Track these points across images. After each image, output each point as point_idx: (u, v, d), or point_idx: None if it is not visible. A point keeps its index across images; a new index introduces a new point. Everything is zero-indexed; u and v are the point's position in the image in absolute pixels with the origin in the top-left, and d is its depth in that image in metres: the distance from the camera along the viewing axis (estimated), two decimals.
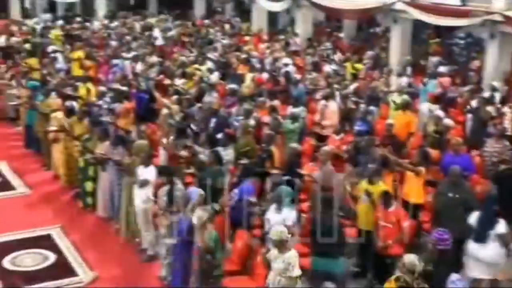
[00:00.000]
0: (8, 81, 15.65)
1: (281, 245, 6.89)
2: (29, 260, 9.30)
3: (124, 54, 18.03)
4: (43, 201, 11.44)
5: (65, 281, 8.84)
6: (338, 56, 18.89)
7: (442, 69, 16.91)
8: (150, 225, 9.24)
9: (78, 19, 25.58)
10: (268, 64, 17.25)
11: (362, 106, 12.95)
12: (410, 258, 6.49)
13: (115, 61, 17.17)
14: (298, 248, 8.30)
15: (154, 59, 17.34)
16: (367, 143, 10.35)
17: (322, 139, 11.98)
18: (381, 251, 8.08)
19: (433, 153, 10.22)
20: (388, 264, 7.92)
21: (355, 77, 15.53)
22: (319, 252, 7.78)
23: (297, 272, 6.88)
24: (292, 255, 6.88)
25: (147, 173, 9.18)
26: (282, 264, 6.87)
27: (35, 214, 10.79)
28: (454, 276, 6.68)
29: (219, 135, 10.85)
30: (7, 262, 9.22)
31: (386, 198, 8.19)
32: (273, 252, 7.01)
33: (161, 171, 9.04)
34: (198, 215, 7.56)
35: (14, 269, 9.10)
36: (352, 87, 14.53)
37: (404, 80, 15.18)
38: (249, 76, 15.58)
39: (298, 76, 15.52)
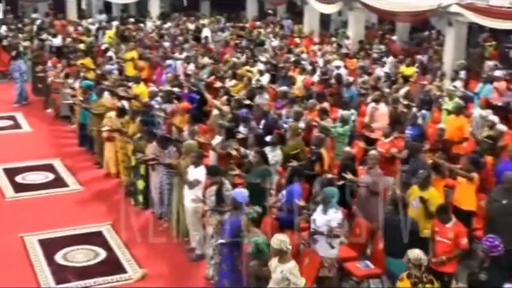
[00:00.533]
0: (62, 80, 15.99)
1: (281, 255, 6.78)
2: (80, 256, 9.49)
3: (177, 55, 18.26)
4: (95, 198, 11.65)
5: (115, 277, 8.99)
6: (390, 59, 18.68)
7: (497, 73, 16.52)
8: (199, 225, 9.30)
9: (132, 20, 25.99)
10: (319, 66, 17.18)
11: (414, 110, 12.78)
12: (415, 253, 6.64)
13: (167, 62, 17.36)
14: (344, 251, 8.30)
15: (205, 60, 17.49)
16: (415, 148, 10.21)
17: (371, 142, 11.87)
18: (433, 266, 7.68)
19: (486, 159, 10.01)
20: (442, 281, 7.44)
21: (407, 80, 15.31)
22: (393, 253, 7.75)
23: (302, 283, 6.78)
24: (291, 266, 6.75)
25: (197, 173, 9.25)
26: (280, 275, 6.71)
27: (87, 211, 11.00)
28: (507, 285, 6.53)
29: (268, 137, 10.85)
30: (59, 257, 9.43)
31: (444, 212, 7.86)
32: (274, 261, 6.87)
33: (210, 171, 9.10)
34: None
35: (66, 264, 9.30)
36: (403, 90, 14.35)
37: (458, 84, 14.91)
38: (299, 78, 15.56)
39: (350, 78, 15.40)
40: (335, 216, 7.92)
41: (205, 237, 9.10)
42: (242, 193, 8.21)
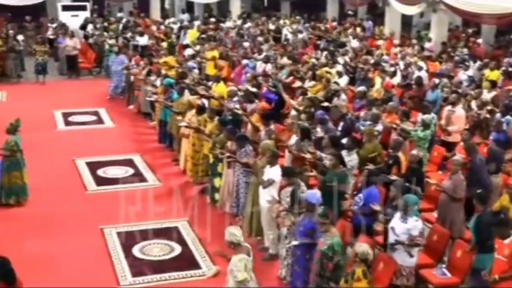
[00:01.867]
0: (144, 77, 16.38)
1: (232, 247, 7.08)
2: (157, 250, 9.69)
3: (256, 55, 18.36)
4: (172, 194, 11.81)
5: (189, 273, 9.14)
6: (477, 64, 18.11)
7: None
8: (273, 225, 9.32)
9: (213, 19, 26.32)
10: (399, 68, 16.89)
11: (498, 115, 12.36)
12: (363, 247, 6.92)
13: (246, 62, 17.50)
14: (420, 258, 8.10)
15: (284, 60, 17.51)
16: (496, 154, 9.89)
17: (449, 146, 11.56)
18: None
19: None
20: None
21: (494, 85, 14.81)
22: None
23: (240, 277, 6.97)
24: (236, 259, 7.02)
25: (273, 172, 9.28)
26: (230, 266, 7.08)
27: (164, 207, 11.18)
28: None
29: (344, 139, 10.75)
30: (136, 250, 9.66)
31: (502, 225, 7.41)
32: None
33: (285, 172, 9.09)
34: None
35: (143, 257, 9.53)
36: (489, 95, 13.90)
37: None
38: (379, 81, 15.34)
39: (436, 80, 15.03)
40: (416, 224, 7.73)
41: (279, 237, 9.10)
42: (315, 194, 8.19)
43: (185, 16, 27.65)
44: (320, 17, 28.79)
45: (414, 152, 10.19)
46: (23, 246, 9.69)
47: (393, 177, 9.44)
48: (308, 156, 10.09)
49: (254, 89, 14.16)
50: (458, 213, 9.13)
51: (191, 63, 17.28)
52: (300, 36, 22.62)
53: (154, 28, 24.45)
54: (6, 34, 22.04)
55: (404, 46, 20.91)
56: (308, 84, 14.96)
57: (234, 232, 7.15)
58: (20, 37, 22.49)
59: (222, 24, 25.13)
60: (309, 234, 7.75)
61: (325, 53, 18.90)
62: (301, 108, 12.49)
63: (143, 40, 22.17)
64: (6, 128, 11.12)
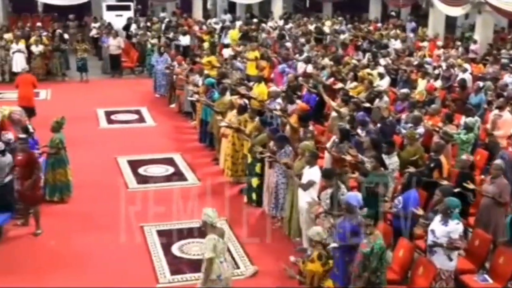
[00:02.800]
0: (186, 77, 16.50)
1: (205, 227, 7.47)
2: (196, 249, 9.72)
3: (297, 56, 18.33)
4: (211, 193, 11.88)
5: None
6: None
7: None
8: (312, 226, 9.27)
9: (255, 20, 26.37)
10: (442, 70, 16.65)
11: None
12: (315, 230, 7.30)
13: (283, 66, 17.46)
14: (461, 263, 7.98)
15: (325, 61, 17.43)
16: None
17: (493, 150, 11.35)
18: None
19: None
20: None
21: None
22: None
23: (207, 255, 7.29)
24: (206, 239, 7.42)
25: (312, 173, 9.24)
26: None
27: (203, 206, 11.14)
28: None
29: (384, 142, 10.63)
30: (175, 249, 9.74)
31: None
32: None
33: (325, 174, 9.05)
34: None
35: (182, 256, 9.60)
36: None
37: None
38: (421, 83, 15.15)
39: (480, 83, 14.78)
40: (456, 227, 7.62)
41: None
42: (355, 196, 8.12)
43: (227, 17, 27.77)
44: (363, 18, 28.59)
45: (464, 157, 10.01)
46: (66, 242, 9.89)
47: (443, 182, 9.32)
48: (348, 157, 10.01)
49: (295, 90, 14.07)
50: (502, 217, 8.97)
51: (239, 64, 17.32)
52: (342, 37, 22.49)
53: (196, 28, 24.63)
54: (53, 33, 22.46)
55: (448, 48, 20.62)
56: (349, 85, 14.86)
57: (208, 214, 7.49)
58: (66, 36, 22.90)
59: (263, 25, 25.16)
60: (349, 237, 7.70)
61: (367, 54, 18.75)
62: (341, 109, 12.42)
63: (185, 40, 22.36)
64: (51, 126, 11.33)
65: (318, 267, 7.14)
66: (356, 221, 7.69)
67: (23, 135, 11.42)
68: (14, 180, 10.24)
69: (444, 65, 17.17)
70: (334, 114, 12.59)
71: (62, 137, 11.32)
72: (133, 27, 24.69)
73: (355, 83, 14.96)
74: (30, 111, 14.66)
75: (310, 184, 9.15)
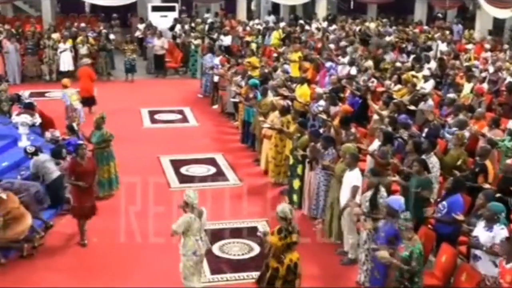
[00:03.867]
0: (229, 78, 16.57)
1: (185, 207, 8.02)
2: (236, 249, 9.79)
3: (340, 58, 18.24)
4: (252, 194, 11.94)
5: None
6: None
7: None
8: (354, 229, 9.23)
9: (300, 21, 26.33)
10: (489, 74, 16.34)
11: None
12: (282, 207, 7.65)
13: (330, 64, 17.40)
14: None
15: (369, 63, 17.30)
16: None
17: None
18: None
19: None
20: None
21: None
22: None
23: (174, 226, 7.95)
24: (182, 217, 7.99)
25: (352, 176, 9.19)
26: None
27: (244, 206, 11.29)
28: None
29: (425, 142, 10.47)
30: (216, 248, 9.79)
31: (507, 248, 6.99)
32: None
33: (371, 171, 8.96)
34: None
35: (222, 255, 9.66)
36: None
37: None
38: (467, 86, 14.90)
39: None
40: (500, 232, 7.46)
41: (359, 241, 9.01)
42: (398, 200, 8.03)
43: (271, 18, 27.80)
44: (407, 20, 28.27)
45: (509, 161, 9.82)
46: (109, 239, 10.03)
47: (486, 186, 9.16)
48: (392, 161, 9.90)
49: (338, 92, 14.00)
50: None
51: (286, 66, 17.32)
52: (387, 39, 22.28)
53: (239, 29, 24.72)
54: (99, 33, 22.83)
55: (496, 51, 20.22)
56: (392, 88, 14.71)
57: (190, 195, 8.03)
58: (111, 36, 23.26)
59: (307, 26, 25.10)
60: (391, 241, 7.62)
61: (412, 56, 18.53)
62: (384, 112, 12.31)
63: (227, 40, 22.46)
64: (96, 122, 11.52)
65: (276, 240, 7.53)
66: (397, 225, 7.61)
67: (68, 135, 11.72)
68: (63, 176, 10.39)
69: (491, 68, 16.84)
70: (376, 117, 12.48)
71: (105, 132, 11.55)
72: (178, 27, 24.92)
73: (399, 86, 14.80)
74: (90, 101, 16.57)
75: (355, 191, 9.07)
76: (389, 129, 11.16)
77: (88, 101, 16.45)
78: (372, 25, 25.37)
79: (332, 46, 20.45)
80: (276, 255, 7.56)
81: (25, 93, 15.19)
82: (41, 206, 10.20)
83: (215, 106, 18.21)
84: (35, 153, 10.73)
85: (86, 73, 17.26)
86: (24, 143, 12.38)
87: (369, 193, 8.66)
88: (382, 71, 17.04)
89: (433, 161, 9.82)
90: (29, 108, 13.09)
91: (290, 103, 13.12)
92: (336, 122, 11.98)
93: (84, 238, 9.96)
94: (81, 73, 17.55)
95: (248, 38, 22.37)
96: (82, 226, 9.92)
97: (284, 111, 12.41)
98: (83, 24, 24.25)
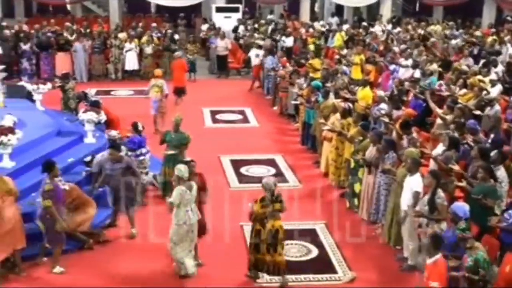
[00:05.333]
0: (290, 79, 16.56)
1: (177, 181, 8.75)
2: (294, 251, 9.76)
3: (402, 60, 17.93)
4: (311, 196, 11.89)
5: (325, 276, 9.13)
6: None
7: None
8: (414, 235, 9.06)
9: (364, 23, 26.08)
10: None
11: None
12: (266, 179, 8.77)
13: (394, 67, 17.16)
14: None
15: (434, 67, 16.96)
16: None
17: None
18: None
19: None
20: None
21: None
22: None
23: (171, 199, 8.68)
24: (175, 189, 8.72)
25: (413, 181, 9.03)
26: None
27: (303, 208, 11.23)
28: None
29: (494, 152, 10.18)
30: None
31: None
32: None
33: (432, 173, 8.78)
34: None
35: None
36: None
37: None
38: None
39: None
40: None
41: (420, 247, 8.84)
42: (463, 207, 7.86)
43: (334, 20, 27.64)
44: (475, 23, 27.60)
45: None
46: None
47: None
48: (456, 167, 9.65)
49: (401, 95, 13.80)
50: None
51: (345, 67, 17.21)
52: (453, 42, 21.81)
53: (302, 30, 24.67)
54: (165, 34, 23.19)
55: None
56: (458, 92, 14.38)
57: (181, 168, 8.77)
58: (176, 37, 23.60)
59: (371, 28, 24.83)
60: (453, 248, 7.46)
61: (482, 61, 18.04)
62: (448, 117, 12.04)
63: (288, 41, 22.44)
64: (176, 124, 11.65)
65: (258, 207, 8.56)
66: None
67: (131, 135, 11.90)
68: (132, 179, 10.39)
69: None
70: (439, 121, 12.23)
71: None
72: (241, 28, 25.07)
73: (464, 90, 14.45)
74: (181, 91, 17.88)
75: (416, 197, 8.90)
76: (456, 134, 10.90)
77: (179, 91, 17.76)
78: (438, 28, 24.87)
79: (396, 48, 20.15)
80: (258, 219, 8.59)
81: (91, 91, 15.53)
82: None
83: (276, 108, 18.23)
84: (89, 163, 11.10)
85: (180, 65, 18.39)
86: (89, 139, 12.72)
87: (426, 196, 8.52)
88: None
89: (501, 174, 9.31)
90: (95, 106, 13.39)
91: (350, 105, 13.01)
92: (398, 126, 11.79)
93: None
94: (175, 65, 18.58)
95: (310, 40, 22.30)
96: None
97: (345, 113, 12.31)
98: (154, 24, 24.65)
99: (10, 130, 10.77)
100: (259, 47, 20.71)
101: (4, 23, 23.49)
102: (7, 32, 21.63)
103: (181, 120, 11.82)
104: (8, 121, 11.44)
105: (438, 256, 7.05)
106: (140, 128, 12.11)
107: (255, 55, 20.78)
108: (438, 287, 6.85)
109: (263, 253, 8.60)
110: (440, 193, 8.47)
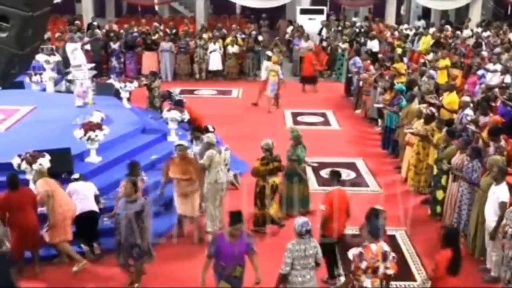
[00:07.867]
0: (374, 82, 16.36)
1: (208, 147, 10.27)
2: None
3: (491, 66, 17.36)
4: (391, 202, 11.65)
5: (403, 283, 9.01)
6: None
7: None
8: (498, 245, 8.77)
9: (450, 27, 25.44)
10: None
11: None
12: (265, 141, 10.27)
13: (483, 72, 16.64)
14: None
15: None
16: None
17: None
18: None
19: None
20: None
21: None
22: None
23: (202, 161, 10.10)
24: (206, 153, 10.10)
25: (499, 191, 8.74)
26: None
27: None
28: None
29: None
30: (350, 254, 9.67)
31: None
32: None
33: None
34: None
35: None
36: None
37: None
38: None
39: None
40: None
41: (503, 259, 8.54)
42: None
43: (421, 23, 27.09)
44: None
45: None
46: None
47: None
48: None
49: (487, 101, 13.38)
50: None
51: (432, 71, 16.86)
52: None
53: (387, 33, 24.31)
54: (249, 35, 23.40)
55: None
56: None
57: (210, 136, 10.59)
58: (260, 38, 23.76)
59: (458, 32, 24.18)
60: None
61: None
62: None
63: (372, 45, 22.17)
64: (295, 138, 11.49)
65: (259, 165, 10.13)
66: None
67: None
68: None
69: None
70: None
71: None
72: (324, 30, 24.98)
73: None
74: (310, 80, 20.91)
75: (503, 207, 8.61)
76: None
77: (307, 80, 20.94)
78: None
79: (484, 53, 19.54)
80: (261, 175, 10.13)
81: (176, 90, 15.86)
82: None
83: (358, 111, 18.05)
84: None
85: (310, 58, 21.13)
86: (173, 138, 12.99)
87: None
88: None
89: None
90: (179, 105, 13.67)
91: (434, 110, 12.73)
92: (485, 133, 11.44)
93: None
94: (306, 57, 21.35)
95: (396, 43, 21.94)
96: None
97: (429, 119, 12.05)
98: (234, 25, 24.94)
99: (98, 126, 11.16)
100: (269, 58, 19.06)
101: (95, 23, 24.36)
102: (98, 31, 22.41)
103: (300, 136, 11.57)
104: (96, 118, 11.90)
105: None
106: (211, 130, 12.12)
107: (264, 68, 19.34)
108: None
109: (266, 207, 10.14)
110: None
